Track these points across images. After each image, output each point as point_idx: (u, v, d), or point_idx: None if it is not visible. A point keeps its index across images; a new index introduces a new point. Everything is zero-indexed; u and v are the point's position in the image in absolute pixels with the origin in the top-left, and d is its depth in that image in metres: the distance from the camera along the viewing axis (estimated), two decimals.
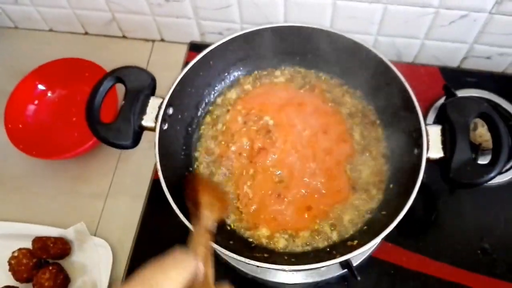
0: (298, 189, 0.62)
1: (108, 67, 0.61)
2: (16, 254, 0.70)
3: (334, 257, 0.50)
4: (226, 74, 0.70)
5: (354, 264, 0.63)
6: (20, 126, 0.83)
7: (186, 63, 0.70)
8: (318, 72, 0.70)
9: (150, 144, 0.57)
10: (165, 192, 0.54)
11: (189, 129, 0.67)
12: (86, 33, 0.99)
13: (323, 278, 0.66)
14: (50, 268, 0.69)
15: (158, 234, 0.74)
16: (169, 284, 0.31)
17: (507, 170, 0.74)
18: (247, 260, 0.50)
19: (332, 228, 0.59)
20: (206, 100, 0.69)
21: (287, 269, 0.51)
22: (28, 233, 0.73)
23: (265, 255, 0.57)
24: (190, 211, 0.52)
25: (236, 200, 0.62)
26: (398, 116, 0.60)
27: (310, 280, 0.67)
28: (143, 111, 0.58)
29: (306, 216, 0.60)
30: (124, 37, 0.97)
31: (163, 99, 0.59)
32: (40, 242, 0.71)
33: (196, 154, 0.67)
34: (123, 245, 0.74)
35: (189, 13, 0.87)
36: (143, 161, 0.81)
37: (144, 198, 0.77)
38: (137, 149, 0.61)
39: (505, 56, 0.83)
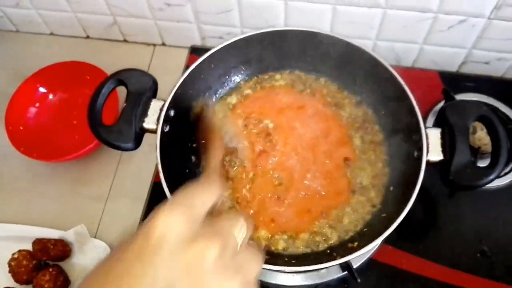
0: (298, 192, 0.62)
1: (109, 71, 0.62)
2: (16, 255, 0.70)
3: (334, 259, 0.51)
4: (227, 77, 0.70)
5: (354, 267, 0.63)
6: (21, 128, 0.83)
7: (187, 66, 0.71)
8: (318, 76, 0.71)
9: (150, 148, 0.58)
10: (167, 194, 0.54)
11: (191, 131, 0.67)
12: (88, 37, 0.99)
13: (323, 280, 0.67)
14: (50, 270, 0.69)
15: None
16: (202, 207, 0.33)
17: (506, 174, 0.74)
18: None
19: (332, 230, 0.60)
20: None
21: (287, 270, 0.52)
22: (28, 235, 0.73)
23: (265, 256, 0.57)
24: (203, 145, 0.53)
25: (235, 203, 0.62)
26: (398, 119, 0.61)
27: (310, 282, 0.67)
28: (144, 113, 0.59)
29: (306, 218, 0.61)
30: (125, 41, 0.98)
31: (165, 101, 0.59)
32: (40, 244, 0.71)
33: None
34: None
35: (190, 18, 0.87)
36: (144, 164, 0.82)
37: (145, 200, 0.77)
38: (138, 152, 0.61)
39: (503, 61, 0.84)
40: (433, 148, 0.55)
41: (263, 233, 0.60)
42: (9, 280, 0.70)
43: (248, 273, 0.33)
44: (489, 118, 0.54)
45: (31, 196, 0.81)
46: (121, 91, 0.62)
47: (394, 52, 0.86)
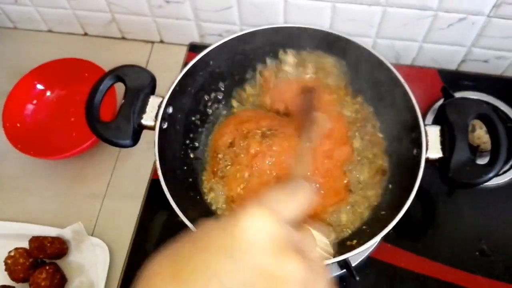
0: None
1: (107, 68, 0.61)
2: (12, 253, 0.70)
3: (333, 257, 0.50)
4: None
5: (353, 265, 0.63)
6: (18, 125, 0.82)
7: (185, 64, 0.70)
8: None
9: (148, 145, 0.58)
10: (165, 191, 0.53)
11: (189, 129, 0.67)
12: (86, 34, 0.99)
13: None
14: (47, 268, 0.69)
15: (155, 234, 0.74)
16: (291, 213, 0.32)
17: (505, 172, 0.74)
18: None
19: (331, 228, 0.59)
20: None
21: None
22: (25, 232, 0.73)
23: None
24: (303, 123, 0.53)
25: (229, 200, 0.62)
26: (397, 117, 0.61)
27: None
28: (142, 110, 0.58)
29: None
30: (123, 38, 0.97)
31: (163, 98, 0.59)
32: (37, 241, 0.70)
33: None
34: (120, 245, 0.74)
35: (189, 15, 0.87)
36: (142, 162, 0.81)
37: (142, 198, 0.76)
38: (136, 150, 0.61)
39: (503, 60, 0.83)
40: (432, 145, 0.54)
41: None
42: (5, 278, 0.70)
43: None
44: (489, 116, 0.54)
45: (28, 193, 0.81)
46: (119, 88, 0.61)
47: (394, 50, 0.86)
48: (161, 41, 0.96)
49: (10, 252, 0.70)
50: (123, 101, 0.58)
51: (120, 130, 0.56)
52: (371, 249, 0.68)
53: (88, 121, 0.56)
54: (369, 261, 0.68)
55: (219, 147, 0.65)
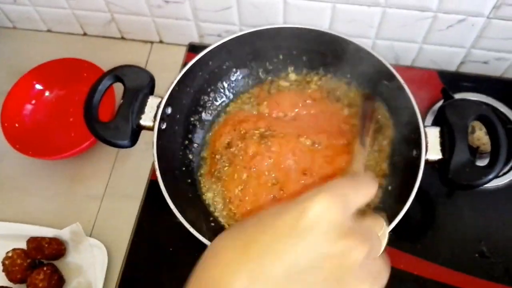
0: (294, 191, 0.61)
1: (106, 68, 0.61)
2: (10, 254, 0.70)
3: None
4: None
5: None
6: (17, 125, 0.82)
7: (184, 64, 0.70)
8: (320, 75, 0.70)
9: (147, 146, 0.57)
10: (163, 192, 0.53)
11: (188, 129, 0.67)
12: (85, 34, 0.98)
13: None
14: (45, 268, 0.68)
15: (154, 235, 0.73)
16: (356, 202, 0.33)
17: (504, 173, 0.74)
18: None
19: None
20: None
21: None
22: (22, 233, 0.73)
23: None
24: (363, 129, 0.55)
25: (227, 201, 0.61)
26: (397, 118, 0.60)
27: None
28: (141, 110, 0.58)
29: None
30: (122, 38, 0.97)
31: (162, 98, 0.59)
32: (35, 242, 0.70)
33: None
34: (118, 246, 0.73)
35: (189, 15, 0.87)
36: (140, 163, 0.81)
37: (141, 199, 0.76)
38: (134, 150, 0.61)
39: (502, 61, 0.83)
40: (432, 147, 0.54)
41: None
42: (2, 279, 0.70)
43: (381, 281, 0.33)
44: (489, 117, 0.54)
45: (26, 194, 0.81)
46: (118, 88, 0.61)
47: (393, 51, 0.86)
48: (160, 41, 0.96)
49: (7, 252, 0.70)
50: (122, 101, 0.58)
51: (118, 131, 0.56)
52: None
53: (86, 121, 0.56)
54: None
55: (217, 148, 0.64)
